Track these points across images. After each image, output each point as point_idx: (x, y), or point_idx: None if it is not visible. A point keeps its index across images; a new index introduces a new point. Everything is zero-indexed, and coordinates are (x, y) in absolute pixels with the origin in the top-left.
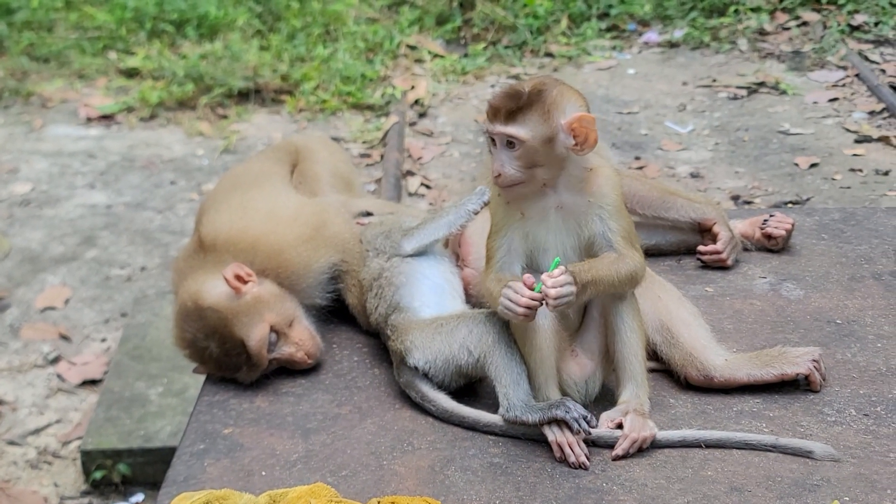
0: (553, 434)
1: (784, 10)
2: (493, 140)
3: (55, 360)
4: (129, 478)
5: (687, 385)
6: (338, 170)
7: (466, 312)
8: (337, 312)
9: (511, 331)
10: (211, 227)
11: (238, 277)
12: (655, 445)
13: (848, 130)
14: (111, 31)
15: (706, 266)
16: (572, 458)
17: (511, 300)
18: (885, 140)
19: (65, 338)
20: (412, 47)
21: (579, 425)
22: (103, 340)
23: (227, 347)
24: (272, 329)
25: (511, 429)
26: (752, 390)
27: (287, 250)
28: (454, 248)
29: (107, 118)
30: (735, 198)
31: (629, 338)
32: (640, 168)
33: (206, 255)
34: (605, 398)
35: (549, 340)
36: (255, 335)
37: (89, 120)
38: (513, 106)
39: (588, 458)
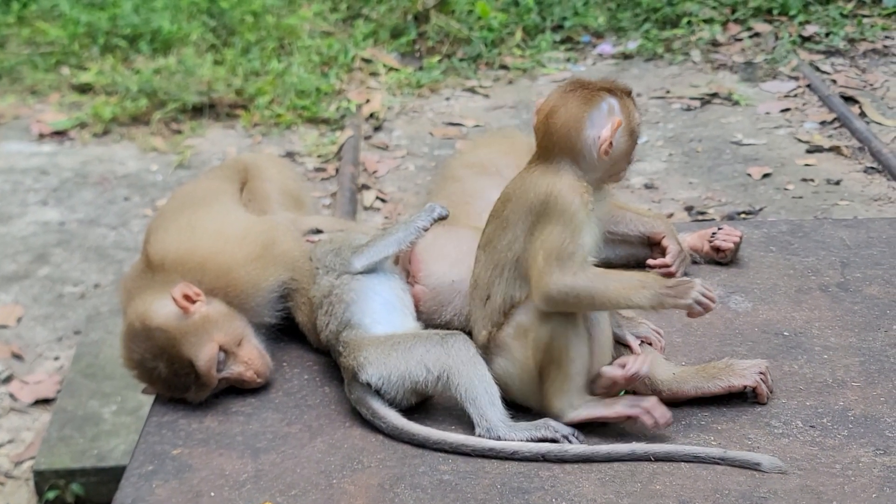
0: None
1: (736, 21)
2: None
3: (7, 380)
4: (82, 498)
5: None
6: (287, 187)
7: (422, 332)
8: (287, 331)
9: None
10: (159, 246)
11: (186, 297)
12: (605, 460)
13: (800, 140)
14: (64, 46)
15: None
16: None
17: (706, 296)
18: (836, 150)
19: (17, 356)
20: (367, 61)
21: (569, 441)
22: (56, 359)
23: (175, 367)
24: (221, 348)
25: (460, 446)
26: (700, 403)
27: (236, 269)
28: (404, 264)
29: (59, 134)
30: (689, 208)
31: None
32: None
33: (154, 274)
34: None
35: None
36: (204, 355)
37: (42, 136)
38: None
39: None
